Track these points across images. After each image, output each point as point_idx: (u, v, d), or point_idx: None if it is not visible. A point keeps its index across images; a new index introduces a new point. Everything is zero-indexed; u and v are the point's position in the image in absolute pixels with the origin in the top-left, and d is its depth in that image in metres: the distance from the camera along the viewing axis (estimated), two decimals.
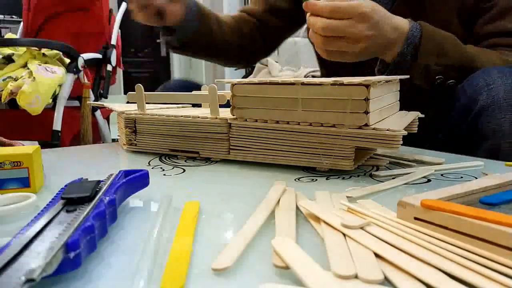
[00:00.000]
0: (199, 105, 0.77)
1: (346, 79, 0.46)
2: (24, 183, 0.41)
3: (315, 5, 0.60)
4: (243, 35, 0.97)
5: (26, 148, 0.43)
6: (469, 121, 0.64)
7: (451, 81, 0.67)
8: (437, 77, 0.66)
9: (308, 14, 0.62)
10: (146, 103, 0.63)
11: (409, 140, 0.57)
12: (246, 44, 0.98)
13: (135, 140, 0.63)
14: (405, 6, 0.78)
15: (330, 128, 0.48)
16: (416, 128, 0.60)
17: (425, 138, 0.68)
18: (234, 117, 0.54)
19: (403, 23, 0.65)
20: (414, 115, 0.60)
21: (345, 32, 0.59)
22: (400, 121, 0.52)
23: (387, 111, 0.54)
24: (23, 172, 0.41)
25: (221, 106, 0.57)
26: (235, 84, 0.52)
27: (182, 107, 0.76)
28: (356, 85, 0.45)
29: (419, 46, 0.64)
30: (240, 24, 0.97)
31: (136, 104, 0.64)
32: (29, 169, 0.41)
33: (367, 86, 0.45)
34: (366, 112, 0.45)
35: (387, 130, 0.45)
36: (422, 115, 0.61)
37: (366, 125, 0.46)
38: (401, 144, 0.45)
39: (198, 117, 0.57)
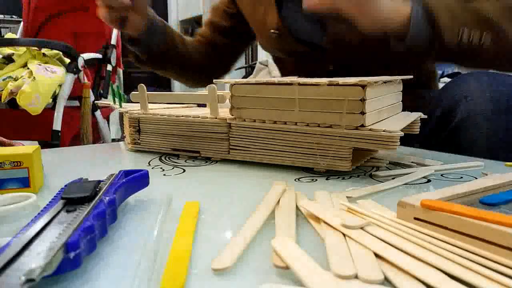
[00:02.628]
0: (204, 105, 0.77)
1: (342, 80, 0.46)
2: (24, 183, 0.41)
3: None
4: (202, 55, 1.02)
5: (26, 148, 0.43)
6: (446, 134, 0.62)
7: (484, 35, 0.60)
8: (461, 30, 0.60)
9: None
10: (149, 102, 0.63)
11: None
12: (205, 63, 1.03)
13: (139, 139, 0.63)
14: None
15: (327, 129, 0.48)
16: (418, 129, 0.59)
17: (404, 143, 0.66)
18: (233, 117, 0.54)
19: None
20: (416, 115, 0.59)
21: None
22: (399, 122, 0.52)
23: (387, 112, 0.54)
24: (23, 172, 0.41)
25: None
26: (234, 84, 0.52)
27: (187, 107, 0.76)
28: (352, 86, 0.45)
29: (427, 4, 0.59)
30: (199, 45, 1.04)
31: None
32: (29, 169, 0.41)
33: (363, 86, 0.44)
34: (362, 113, 0.45)
35: (383, 130, 0.45)
36: (425, 116, 0.60)
37: (363, 125, 0.46)
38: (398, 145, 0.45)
39: (199, 117, 0.57)
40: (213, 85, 0.56)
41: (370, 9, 0.59)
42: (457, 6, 0.62)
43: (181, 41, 0.97)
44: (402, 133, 0.45)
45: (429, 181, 0.47)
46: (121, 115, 0.98)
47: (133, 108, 0.67)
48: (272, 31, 0.85)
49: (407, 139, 0.67)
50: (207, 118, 0.56)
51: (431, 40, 0.62)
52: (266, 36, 0.90)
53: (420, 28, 0.61)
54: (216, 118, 0.55)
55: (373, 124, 0.48)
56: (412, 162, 0.54)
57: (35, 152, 0.42)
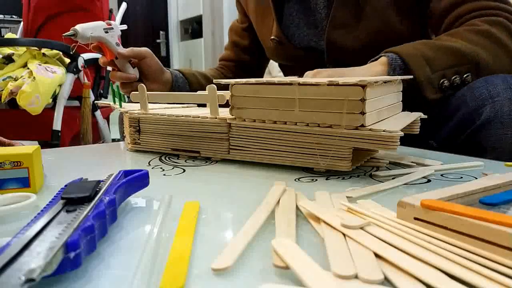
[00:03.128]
0: (204, 105, 0.77)
1: (342, 79, 0.45)
2: (24, 183, 0.41)
3: None
4: (230, 77, 1.06)
5: (26, 148, 0.43)
6: (469, 133, 0.63)
7: (465, 75, 0.66)
8: (440, 81, 0.65)
9: None
10: (149, 102, 0.63)
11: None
12: None
13: (139, 139, 0.64)
14: (343, 8, 0.80)
15: (327, 129, 0.47)
16: (418, 129, 0.59)
17: (417, 141, 0.67)
18: (233, 117, 0.54)
19: (377, 60, 0.66)
20: (416, 115, 0.59)
21: None
22: (399, 122, 0.52)
23: (387, 112, 0.54)
24: (23, 172, 0.41)
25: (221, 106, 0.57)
26: (234, 84, 0.52)
27: (187, 106, 0.76)
28: (352, 86, 0.45)
29: (407, 68, 0.65)
30: (223, 71, 1.08)
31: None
32: (29, 169, 0.41)
33: (363, 86, 0.44)
34: (362, 113, 0.45)
35: (383, 130, 0.45)
36: (425, 116, 0.60)
37: (363, 125, 0.46)
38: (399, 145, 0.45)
39: (199, 117, 0.57)
40: (213, 85, 0.56)
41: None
42: (435, 52, 0.66)
43: (204, 76, 1.01)
44: (402, 133, 0.45)
45: (429, 181, 0.47)
46: (121, 115, 0.98)
47: (133, 108, 0.67)
48: (272, 37, 0.89)
49: (424, 139, 0.68)
50: (207, 118, 0.56)
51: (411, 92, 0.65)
52: (268, 44, 0.95)
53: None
54: (216, 118, 0.55)
55: (373, 124, 0.47)
56: (412, 162, 0.54)
57: (35, 152, 0.42)
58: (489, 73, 0.66)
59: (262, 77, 1.14)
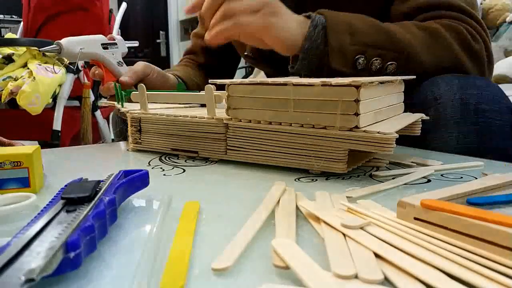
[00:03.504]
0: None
1: (335, 80, 0.45)
2: (24, 183, 0.41)
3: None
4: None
5: (26, 148, 0.43)
6: (420, 134, 0.62)
7: (389, 62, 0.63)
8: (356, 57, 0.62)
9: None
10: (149, 102, 0.63)
11: None
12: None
13: (140, 139, 0.64)
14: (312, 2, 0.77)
15: (321, 130, 0.47)
16: (419, 131, 0.58)
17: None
18: (230, 117, 0.53)
19: (302, 17, 0.63)
20: (416, 117, 0.58)
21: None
22: (396, 123, 0.51)
23: (386, 113, 0.54)
24: (23, 172, 0.41)
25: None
26: (230, 84, 0.52)
27: (189, 106, 0.75)
28: (346, 86, 0.44)
29: (326, 28, 0.61)
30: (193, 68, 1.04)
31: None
32: (29, 169, 0.41)
33: (357, 87, 0.44)
34: (356, 114, 0.44)
35: (378, 132, 0.44)
36: (427, 117, 0.59)
37: (357, 127, 0.45)
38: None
39: (196, 117, 0.57)
40: (210, 85, 0.56)
41: (271, 33, 0.60)
42: (367, 27, 0.63)
43: (196, 74, 0.99)
44: (397, 135, 0.44)
45: (429, 181, 0.47)
46: (115, 117, 0.98)
47: (134, 107, 0.67)
48: (245, 53, 0.85)
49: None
50: (204, 118, 0.56)
51: (321, 59, 0.63)
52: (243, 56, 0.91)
53: (314, 46, 0.62)
54: (213, 119, 0.55)
55: (368, 125, 0.47)
56: (412, 162, 0.54)
57: (35, 152, 0.42)
58: (422, 70, 0.64)
59: (238, 62, 1.11)
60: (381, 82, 0.51)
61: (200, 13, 0.61)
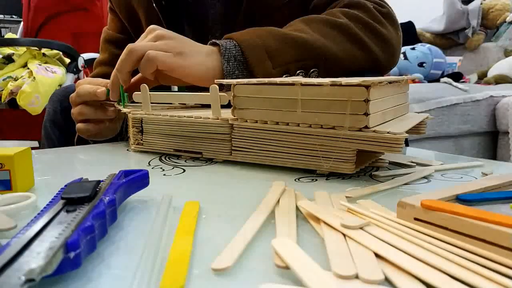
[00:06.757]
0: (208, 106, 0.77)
1: (345, 80, 0.45)
2: (6, 185, 0.41)
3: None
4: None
5: (9, 150, 0.42)
6: None
7: (312, 70, 0.64)
8: (283, 76, 0.62)
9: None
10: (151, 103, 0.63)
11: None
12: None
13: (141, 140, 0.63)
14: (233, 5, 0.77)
15: (330, 130, 0.47)
16: (425, 131, 0.58)
17: None
18: (235, 118, 0.53)
19: (208, 47, 0.63)
20: (423, 117, 0.58)
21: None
22: (405, 123, 0.51)
23: (393, 113, 0.53)
24: (5, 175, 0.41)
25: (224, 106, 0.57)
26: (236, 84, 0.52)
27: (192, 106, 0.75)
28: (356, 86, 0.44)
29: (245, 61, 0.61)
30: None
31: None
32: (10, 171, 0.41)
33: (367, 87, 0.44)
34: (366, 114, 0.44)
35: (388, 132, 0.44)
36: (432, 117, 0.59)
37: (367, 127, 0.45)
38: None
39: (200, 118, 0.57)
40: (215, 85, 0.55)
41: (185, 73, 0.61)
42: (281, 45, 0.63)
43: None
44: (407, 135, 0.44)
45: (429, 181, 0.47)
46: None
47: (135, 108, 0.67)
48: None
49: None
50: (209, 118, 0.56)
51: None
52: None
53: (234, 77, 0.63)
54: (218, 119, 0.55)
55: (377, 125, 0.47)
56: (412, 162, 0.54)
57: (18, 155, 0.41)
58: (340, 69, 0.65)
59: None
60: (389, 82, 0.51)
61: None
